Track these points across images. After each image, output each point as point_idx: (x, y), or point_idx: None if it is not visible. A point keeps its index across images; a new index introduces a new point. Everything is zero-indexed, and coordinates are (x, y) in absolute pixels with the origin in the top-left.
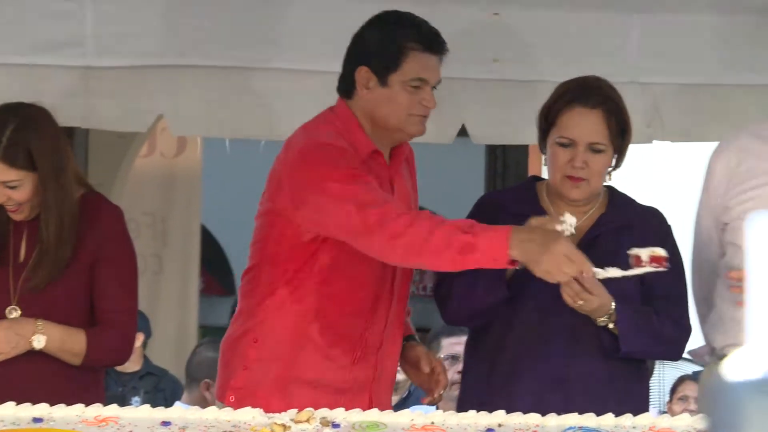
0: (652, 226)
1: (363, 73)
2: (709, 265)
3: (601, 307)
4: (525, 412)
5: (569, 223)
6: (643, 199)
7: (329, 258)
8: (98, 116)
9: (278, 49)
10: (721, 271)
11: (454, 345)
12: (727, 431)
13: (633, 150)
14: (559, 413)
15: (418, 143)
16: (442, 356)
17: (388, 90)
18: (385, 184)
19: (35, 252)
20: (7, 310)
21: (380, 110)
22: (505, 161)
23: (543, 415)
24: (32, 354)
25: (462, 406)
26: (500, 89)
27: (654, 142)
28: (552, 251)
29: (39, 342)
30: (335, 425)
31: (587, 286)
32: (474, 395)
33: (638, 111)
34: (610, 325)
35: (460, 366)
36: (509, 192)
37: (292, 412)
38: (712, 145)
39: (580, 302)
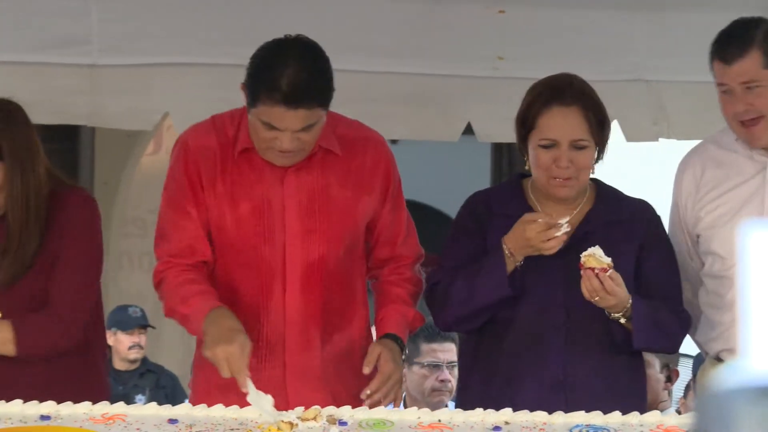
0: (640, 219)
1: (242, 89)
2: (691, 279)
3: (617, 305)
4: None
5: (564, 226)
6: (649, 197)
7: (216, 253)
8: (104, 114)
9: None
10: (705, 279)
11: (437, 352)
12: None
13: (639, 148)
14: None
15: (424, 141)
16: (424, 362)
17: (251, 116)
18: (266, 178)
19: (1, 248)
20: None
21: (249, 128)
22: (510, 159)
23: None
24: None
25: (463, 407)
26: (505, 87)
27: (660, 139)
28: (218, 350)
29: None
30: (342, 423)
31: (606, 285)
32: (475, 398)
33: (644, 109)
34: (622, 320)
35: (442, 374)
36: (496, 191)
37: (299, 409)
38: None
39: (597, 298)
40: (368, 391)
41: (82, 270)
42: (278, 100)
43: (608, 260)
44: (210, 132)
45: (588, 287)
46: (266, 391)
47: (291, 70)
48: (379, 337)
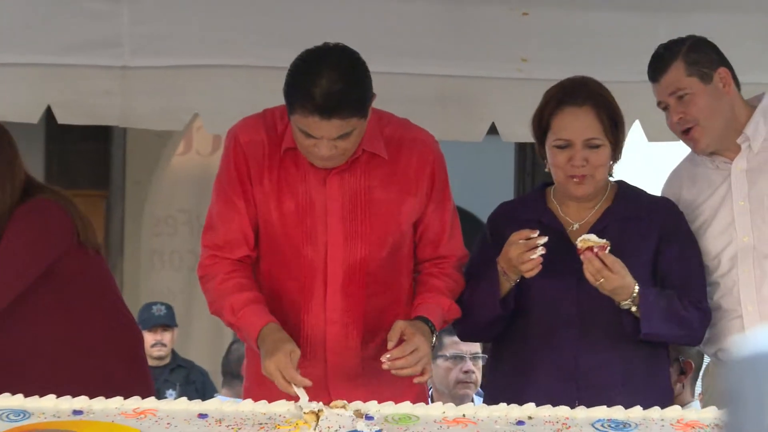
0: (658, 213)
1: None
2: None
3: (623, 288)
4: (537, 405)
5: (539, 249)
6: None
7: (262, 248)
8: (135, 115)
9: None
10: None
11: (459, 344)
12: (750, 402)
13: (661, 147)
14: (570, 405)
15: (449, 141)
16: (447, 354)
17: (291, 122)
18: (310, 178)
19: None
20: None
21: (292, 132)
22: (534, 158)
23: (554, 406)
24: (77, 348)
25: (488, 401)
26: (529, 88)
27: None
28: (268, 363)
29: None
30: (368, 417)
31: (607, 262)
32: (495, 390)
33: None
34: (633, 308)
35: (465, 365)
36: (520, 199)
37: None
38: None
39: (601, 280)
40: (389, 355)
41: (2, 266)
42: (312, 110)
43: (603, 240)
44: (259, 126)
45: (590, 269)
46: (307, 389)
47: (325, 81)
48: (415, 318)
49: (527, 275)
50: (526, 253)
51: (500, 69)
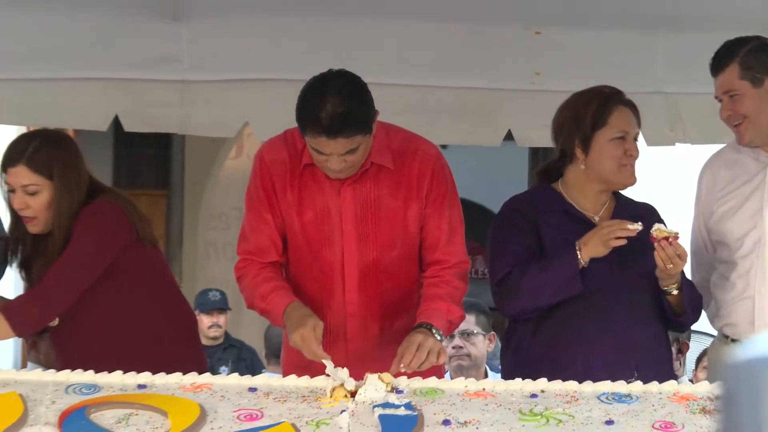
0: (655, 217)
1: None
2: (706, 264)
3: (678, 274)
4: (597, 379)
5: (637, 224)
6: (668, 192)
7: (290, 250)
8: (193, 123)
9: (351, 65)
10: (716, 265)
11: None
12: (746, 406)
13: (658, 151)
14: (628, 377)
15: (470, 146)
16: None
17: (306, 140)
18: (326, 190)
19: (44, 261)
20: None
21: None
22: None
23: (614, 380)
24: (136, 331)
25: (519, 372)
26: (542, 99)
27: (676, 144)
28: (294, 336)
29: None
30: (398, 391)
31: (680, 251)
32: (542, 364)
33: (663, 117)
34: (675, 292)
35: (454, 341)
36: (532, 194)
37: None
38: None
39: (670, 266)
40: (402, 363)
41: (73, 264)
42: (320, 131)
43: (675, 231)
44: (282, 146)
45: (662, 256)
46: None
47: (330, 105)
48: (418, 325)
49: (615, 244)
50: (623, 222)
51: (516, 82)
